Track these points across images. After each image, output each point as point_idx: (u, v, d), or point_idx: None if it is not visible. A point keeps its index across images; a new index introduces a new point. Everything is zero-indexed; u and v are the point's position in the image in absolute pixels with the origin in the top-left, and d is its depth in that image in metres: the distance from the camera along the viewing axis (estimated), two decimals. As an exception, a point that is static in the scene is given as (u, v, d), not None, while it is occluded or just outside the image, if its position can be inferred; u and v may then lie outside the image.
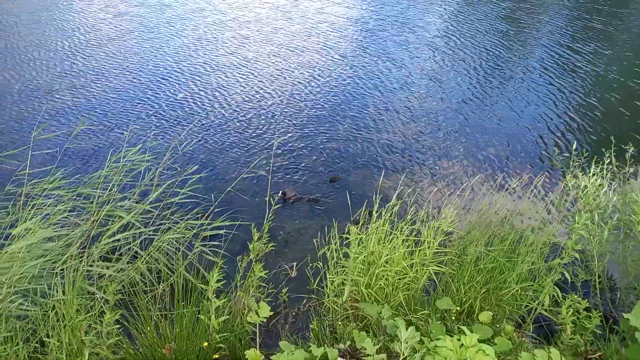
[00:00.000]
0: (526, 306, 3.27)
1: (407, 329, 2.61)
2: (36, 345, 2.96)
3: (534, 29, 10.78)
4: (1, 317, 2.83)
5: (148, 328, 2.95)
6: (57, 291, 3.08)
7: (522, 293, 3.24)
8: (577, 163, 3.93)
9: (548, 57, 9.04)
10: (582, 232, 3.10)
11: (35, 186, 3.84)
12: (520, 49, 9.60)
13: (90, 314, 2.83)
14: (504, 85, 8.02)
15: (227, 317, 2.93)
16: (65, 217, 3.73)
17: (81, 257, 3.34)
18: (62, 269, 3.32)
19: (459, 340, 2.25)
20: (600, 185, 3.63)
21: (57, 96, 7.46)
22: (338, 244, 3.36)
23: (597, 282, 3.51)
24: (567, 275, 3.16)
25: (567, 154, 5.77)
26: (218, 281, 2.81)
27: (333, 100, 7.42)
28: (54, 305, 2.90)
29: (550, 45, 9.64)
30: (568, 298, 2.98)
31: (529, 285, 3.20)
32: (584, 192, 3.60)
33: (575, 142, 4.47)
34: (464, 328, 2.37)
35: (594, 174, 3.64)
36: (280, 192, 5.07)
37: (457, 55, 9.19)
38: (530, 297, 3.24)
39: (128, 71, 8.42)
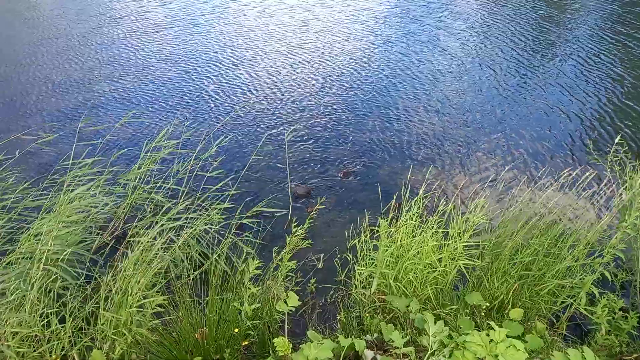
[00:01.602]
0: (561, 303, 3.19)
1: (435, 323, 2.61)
2: (81, 323, 3.12)
3: (573, 15, 10.37)
4: (51, 292, 2.99)
5: (181, 313, 3.05)
6: (98, 272, 3.23)
7: (559, 289, 3.16)
8: (617, 158, 3.77)
9: (589, 44, 8.68)
10: (629, 230, 2.99)
11: (76, 173, 4.02)
12: (558, 36, 9.25)
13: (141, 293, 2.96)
14: (538, 75, 7.75)
15: (258, 305, 3.00)
16: (101, 200, 3.89)
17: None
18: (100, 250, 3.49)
19: (487, 335, 2.22)
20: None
21: (97, 87, 7.73)
22: (368, 236, 3.37)
23: (638, 282, 3.39)
24: (606, 274, 3.07)
25: (609, 148, 5.55)
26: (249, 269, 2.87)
27: (362, 91, 7.37)
28: (100, 282, 3.04)
29: (589, 33, 9.25)
30: (604, 297, 2.90)
31: (568, 282, 3.12)
32: (636, 188, 3.44)
33: (618, 136, 4.27)
34: (492, 323, 2.34)
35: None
36: (295, 186, 5.07)
37: (488, 44, 8.95)
38: (566, 294, 3.16)
39: (166, 62, 8.63)
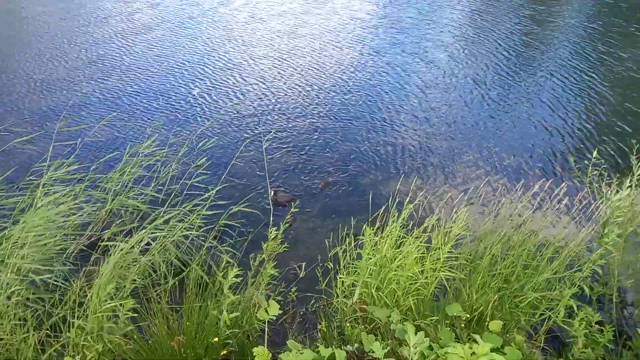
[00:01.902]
0: (540, 316, 3.22)
1: (416, 334, 2.60)
2: (47, 330, 3.02)
3: (556, 32, 10.63)
4: (15, 304, 2.89)
5: (157, 320, 2.98)
6: (70, 278, 3.14)
7: (538, 302, 3.19)
8: (596, 172, 3.85)
9: (571, 61, 8.89)
10: (610, 246, 3.04)
11: (52, 175, 3.92)
12: (541, 52, 9.45)
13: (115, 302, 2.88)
14: (523, 90, 7.90)
15: (238, 313, 2.95)
16: (79, 205, 3.80)
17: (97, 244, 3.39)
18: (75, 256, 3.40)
19: (470, 348, 2.22)
20: (634, 198, 3.53)
21: (78, 87, 7.59)
22: (352, 244, 3.35)
23: (615, 296, 3.45)
24: (585, 288, 3.11)
25: (588, 163, 5.67)
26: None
27: (347, 100, 7.40)
28: (67, 290, 2.96)
29: (573, 49, 9.48)
30: (582, 310, 2.94)
31: (546, 294, 3.15)
32: (616, 204, 3.51)
33: (595, 150, 4.35)
34: (476, 336, 2.34)
35: (629, 186, 3.54)
36: (272, 192, 5.03)
37: (474, 58, 9.10)
38: (544, 306, 3.19)
39: (151, 64, 8.54)
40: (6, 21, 10.79)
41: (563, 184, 3.58)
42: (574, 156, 5.85)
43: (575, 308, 3.02)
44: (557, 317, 3.03)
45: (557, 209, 3.66)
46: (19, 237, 3.05)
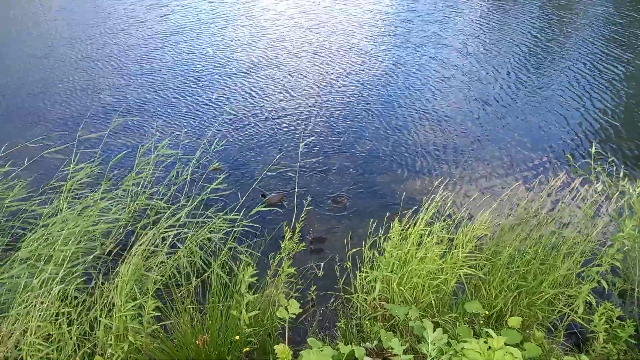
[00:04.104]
0: (558, 312, 3.22)
1: (434, 330, 2.63)
2: (86, 328, 3.14)
3: (570, 30, 10.50)
4: (57, 296, 3.01)
5: (182, 320, 3.07)
6: (99, 279, 3.26)
7: (556, 298, 3.19)
8: (614, 167, 3.82)
9: (586, 58, 8.78)
10: (626, 240, 3.02)
11: (75, 181, 4.05)
12: (556, 50, 9.35)
13: (136, 302, 2.98)
14: (539, 86, 7.84)
15: (258, 312, 3.01)
16: (105, 208, 3.92)
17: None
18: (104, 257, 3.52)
19: (485, 342, 2.25)
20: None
21: (101, 95, 7.79)
22: (381, 240, 3.39)
23: (636, 291, 3.42)
24: (604, 283, 3.10)
25: (606, 157, 5.61)
26: (251, 277, 2.89)
27: (364, 101, 7.44)
28: (102, 290, 3.07)
29: (587, 47, 9.36)
30: (602, 306, 2.93)
31: (564, 291, 3.15)
32: (635, 199, 3.48)
33: (616, 147, 4.30)
34: (490, 331, 2.37)
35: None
36: (261, 195, 5.06)
37: (489, 57, 9.05)
38: (563, 302, 3.19)
39: (172, 70, 8.73)
40: (28, 32, 11.11)
41: (580, 179, 3.56)
42: (595, 150, 5.77)
43: (595, 303, 3.01)
44: (576, 312, 3.03)
45: (574, 205, 3.63)
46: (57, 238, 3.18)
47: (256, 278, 3.10)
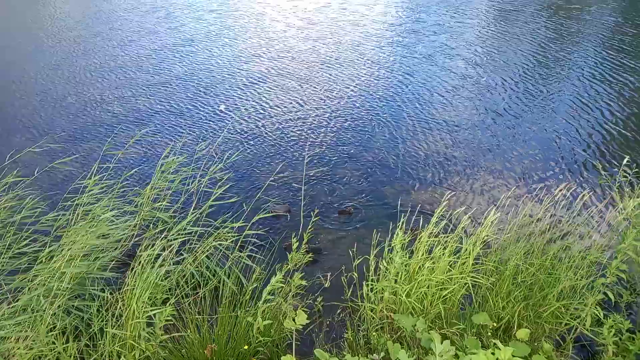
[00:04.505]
0: (566, 324, 3.20)
1: (441, 342, 2.63)
2: (87, 341, 3.17)
3: (577, 39, 10.50)
4: (56, 314, 3.05)
5: (190, 329, 3.10)
6: (108, 290, 3.30)
7: (563, 311, 3.18)
8: (624, 179, 3.81)
9: (595, 68, 8.77)
10: (629, 251, 3.01)
11: (88, 194, 4.12)
12: (565, 60, 9.36)
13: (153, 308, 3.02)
14: (549, 97, 7.83)
15: (270, 321, 3.03)
16: (114, 219, 3.97)
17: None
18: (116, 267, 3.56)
19: (493, 354, 2.25)
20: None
21: (112, 106, 7.92)
22: (386, 249, 3.40)
23: (643, 303, 3.40)
24: (610, 295, 3.08)
25: (614, 169, 5.58)
26: (257, 286, 2.92)
27: (373, 110, 7.49)
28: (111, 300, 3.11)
29: (595, 56, 9.36)
30: (610, 318, 2.91)
31: (570, 303, 3.14)
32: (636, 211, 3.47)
33: (624, 157, 4.26)
34: (497, 342, 2.37)
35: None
36: (270, 209, 5.06)
37: (498, 67, 9.08)
38: (571, 315, 3.17)
39: (180, 81, 8.85)
40: (41, 42, 11.33)
41: (585, 191, 3.56)
42: (600, 163, 5.75)
43: (602, 316, 2.99)
44: (584, 325, 3.01)
45: (579, 216, 3.63)
46: (64, 252, 3.23)
47: (273, 287, 3.12)
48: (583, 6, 12.54)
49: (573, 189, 3.63)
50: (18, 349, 2.77)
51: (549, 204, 3.55)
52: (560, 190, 3.52)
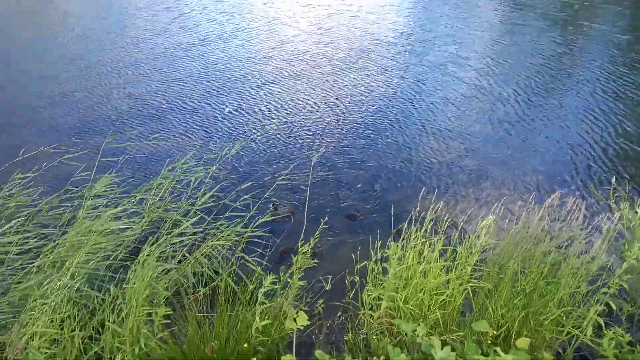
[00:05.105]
0: (567, 334, 3.19)
1: (442, 348, 2.63)
2: (91, 332, 3.20)
3: (586, 54, 10.49)
4: (63, 301, 3.09)
5: (190, 327, 3.12)
6: (114, 284, 3.33)
7: (563, 319, 3.17)
8: (622, 189, 3.81)
9: (608, 85, 8.75)
10: (633, 261, 3.01)
11: (95, 189, 4.17)
12: (577, 74, 9.35)
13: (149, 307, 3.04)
14: (547, 107, 7.81)
15: (270, 321, 3.05)
16: (120, 216, 4.01)
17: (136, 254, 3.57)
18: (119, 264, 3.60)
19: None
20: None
21: (124, 102, 8.00)
22: (378, 258, 3.42)
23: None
24: (612, 305, 3.07)
25: (611, 179, 5.57)
26: (258, 287, 2.94)
27: (385, 117, 7.52)
28: (113, 295, 3.14)
29: (609, 74, 9.33)
30: (611, 330, 2.90)
31: (570, 310, 3.13)
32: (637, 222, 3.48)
33: (621, 169, 4.25)
34: (498, 349, 2.37)
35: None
36: (272, 205, 5.09)
37: (506, 76, 9.09)
38: (572, 324, 3.17)
39: (189, 81, 8.93)
40: (51, 38, 11.48)
41: (585, 201, 3.56)
42: (596, 175, 5.75)
43: (604, 326, 2.99)
44: (584, 335, 3.00)
45: (579, 225, 3.62)
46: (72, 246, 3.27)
47: (274, 286, 3.14)
48: (591, 23, 12.53)
49: (574, 197, 3.63)
50: (24, 335, 2.81)
51: (551, 213, 3.55)
52: (562, 199, 3.52)
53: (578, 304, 3.19)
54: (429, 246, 3.29)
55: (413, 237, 3.31)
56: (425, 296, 3.18)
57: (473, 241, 3.25)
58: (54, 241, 3.53)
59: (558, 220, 3.69)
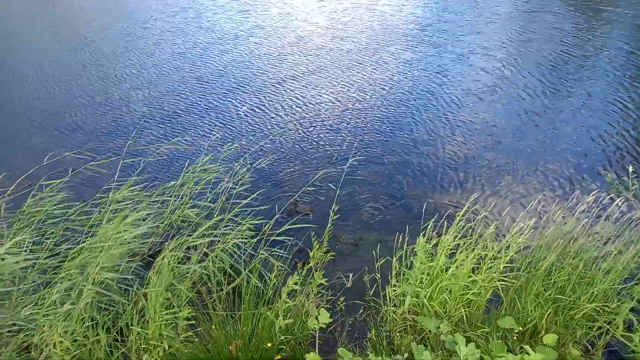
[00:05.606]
0: (597, 329, 3.10)
1: (466, 345, 2.60)
2: (116, 334, 3.27)
3: (610, 40, 10.14)
4: (89, 305, 3.16)
5: (214, 326, 3.16)
6: (136, 286, 3.39)
7: (597, 313, 3.09)
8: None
9: (622, 68, 8.45)
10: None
11: (117, 193, 4.25)
12: (599, 60, 9.06)
13: (170, 310, 3.09)
14: (569, 100, 7.58)
15: (292, 319, 3.06)
16: (142, 218, 4.08)
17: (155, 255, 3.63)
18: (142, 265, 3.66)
19: (522, 359, 2.21)
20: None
21: (135, 108, 8.13)
22: (403, 254, 3.39)
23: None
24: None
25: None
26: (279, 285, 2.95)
27: (403, 111, 7.43)
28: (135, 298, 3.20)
29: (625, 56, 9.01)
30: (643, 325, 2.81)
31: (605, 305, 3.04)
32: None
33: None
34: (527, 347, 2.32)
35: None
36: (293, 204, 5.11)
37: (529, 65, 8.86)
38: (602, 319, 3.08)
39: (216, 77, 9.06)
40: (66, 43, 11.72)
41: (621, 194, 3.45)
42: (631, 167, 5.54)
43: (636, 322, 2.89)
44: (615, 330, 2.92)
45: (613, 221, 3.51)
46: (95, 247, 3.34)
47: (298, 286, 3.15)
48: (614, 7, 12.08)
49: (605, 192, 3.52)
50: (52, 338, 2.88)
51: (586, 209, 3.44)
52: (594, 195, 3.42)
53: (611, 300, 3.10)
54: (460, 245, 3.24)
55: (443, 236, 3.27)
56: (451, 296, 3.14)
57: (505, 243, 3.19)
58: (80, 244, 3.62)
59: (593, 216, 3.59)
